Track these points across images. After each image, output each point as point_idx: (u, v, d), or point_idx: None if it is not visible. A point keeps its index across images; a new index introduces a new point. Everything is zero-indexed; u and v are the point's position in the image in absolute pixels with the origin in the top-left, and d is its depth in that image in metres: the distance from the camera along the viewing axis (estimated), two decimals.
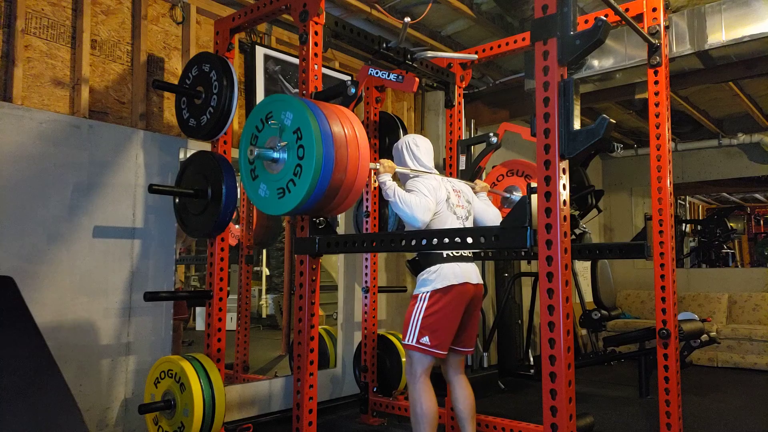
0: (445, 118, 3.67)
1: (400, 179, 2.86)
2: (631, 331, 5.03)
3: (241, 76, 3.74)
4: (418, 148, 2.89)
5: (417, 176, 2.77)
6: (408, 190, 2.67)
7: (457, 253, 2.69)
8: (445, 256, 2.65)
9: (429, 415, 2.60)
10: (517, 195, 3.53)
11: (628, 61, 4.09)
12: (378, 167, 2.68)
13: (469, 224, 2.84)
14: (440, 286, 2.62)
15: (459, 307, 2.66)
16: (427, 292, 2.63)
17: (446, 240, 2.04)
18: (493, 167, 3.78)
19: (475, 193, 3.04)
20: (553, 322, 1.70)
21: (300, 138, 2.02)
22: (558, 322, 1.69)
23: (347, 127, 2.12)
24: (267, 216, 4.17)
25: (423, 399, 2.62)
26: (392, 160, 2.91)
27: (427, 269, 2.66)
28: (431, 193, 2.65)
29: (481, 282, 2.79)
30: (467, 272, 2.70)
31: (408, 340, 2.64)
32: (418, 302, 2.65)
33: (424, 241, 2.12)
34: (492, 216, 2.97)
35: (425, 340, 2.60)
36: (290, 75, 3.96)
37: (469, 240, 1.98)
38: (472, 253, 2.80)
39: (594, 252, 3.29)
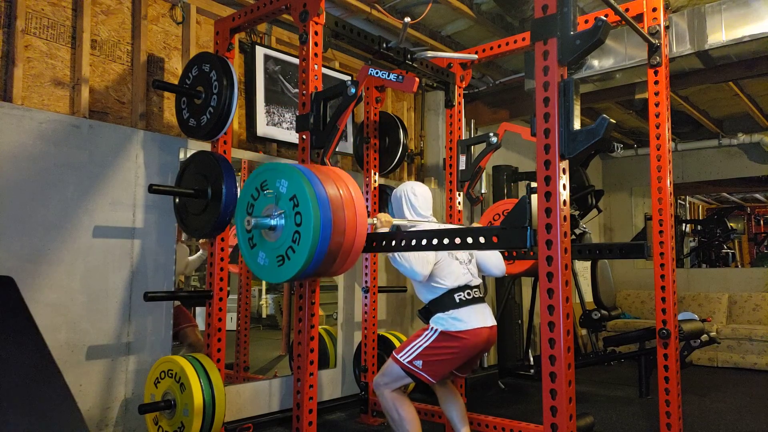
0: (445, 118, 3.67)
1: (400, 228, 2.86)
2: (631, 331, 5.02)
3: (241, 76, 3.74)
4: (416, 198, 2.87)
5: (414, 227, 2.76)
6: None
7: (469, 295, 2.66)
8: (458, 301, 2.62)
9: (409, 418, 2.59)
10: None
11: (628, 61, 4.09)
12: (375, 222, 2.65)
13: (472, 267, 2.80)
14: (452, 330, 2.58)
15: (467, 353, 2.62)
16: (438, 330, 2.60)
17: (446, 240, 2.04)
18: (489, 208, 3.77)
19: None
20: (553, 322, 1.70)
21: (297, 205, 2.03)
22: (558, 322, 1.69)
23: (342, 189, 2.12)
24: None
25: (397, 405, 2.61)
26: (391, 202, 2.92)
27: (440, 313, 2.63)
28: None
29: (495, 323, 2.73)
30: (483, 315, 2.66)
31: (400, 356, 2.62)
32: (427, 332, 2.62)
33: (424, 241, 2.12)
34: (494, 258, 2.93)
35: (418, 363, 2.58)
36: (290, 75, 3.96)
37: (469, 240, 1.98)
38: (481, 292, 2.77)
39: (594, 252, 3.29)
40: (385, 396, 2.64)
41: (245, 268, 4.20)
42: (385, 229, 2.68)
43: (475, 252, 2.89)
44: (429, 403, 3.50)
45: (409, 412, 2.61)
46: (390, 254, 2.60)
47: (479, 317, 2.64)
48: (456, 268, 2.69)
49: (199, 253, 3.87)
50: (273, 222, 2.10)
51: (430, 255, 2.62)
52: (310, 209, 1.98)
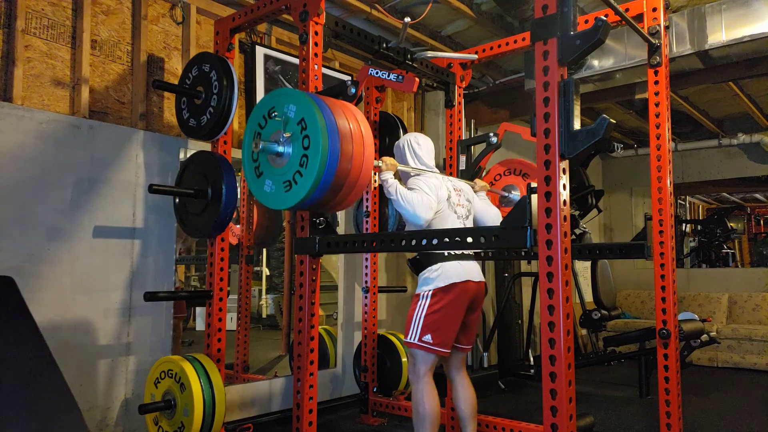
0: (445, 118, 3.67)
1: (402, 177, 2.87)
2: (631, 331, 5.03)
3: (241, 76, 3.74)
4: (419, 147, 2.89)
5: (418, 174, 2.78)
6: (409, 189, 2.67)
7: (459, 251, 2.69)
8: (446, 254, 2.65)
9: (431, 416, 2.59)
10: (515, 194, 3.54)
11: (628, 61, 4.09)
12: (380, 165, 2.68)
13: (469, 223, 2.84)
14: (442, 285, 2.62)
15: (461, 305, 2.66)
16: (429, 290, 2.63)
17: (446, 240, 2.04)
18: (492, 166, 3.78)
19: (475, 192, 3.05)
20: (553, 322, 1.70)
21: (305, 128, 2.02)
22: (558, 322, 1.69)
23: (351, 121, 2.12)
24: (267, 216, 4.17)
25: (426, 399, 2.61)
26: (393, 151, 2.93)
27: (429, 268, 2.65)
28: (432, 191, 2.65)
29: (483, 280, 2.79)
30: (469, 270, 2.70)
31: (410, 338, 2.63)
32: (420, 300, 2.65)
33: (424, 241, 2.12)
34: (492, 215, 2.97)
35: (428, 338, 2.59)
36: (290, 75, 3.96)
37: (469, 240, 1.98)
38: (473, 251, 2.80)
39: (594, 252, 3.29)
40: (419, 388, 2.64)
41: (245, 268, 4.20)
42: (390, 173, 2.70)
43: (474, 208, 2.94)
44: None
45: (433, 412, 2.61)
46: (394, 197, 2.63)
47: (466, 272, 2.67)
48: (453, 222, 2.73)
49: None
50: (280, 148, 2.10)
51: (433, 201, 2.64)
52: (319, 132, 1.97)
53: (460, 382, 2.84)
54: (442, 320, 2.61)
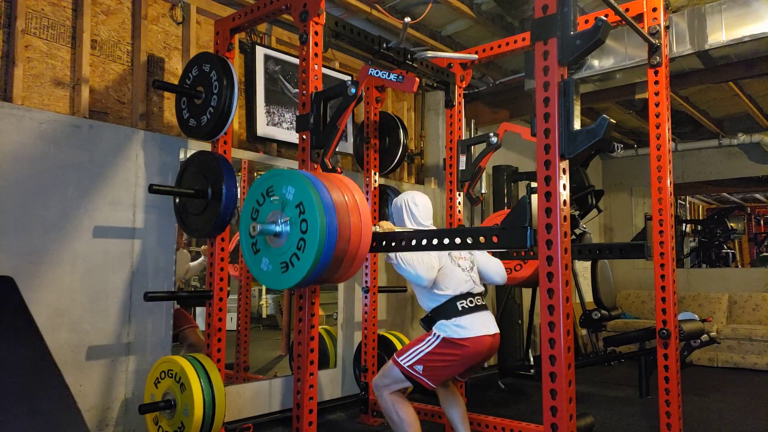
0: (445, 118, 3.68)
1: None
2: (631, 331, 5.02)
3: (241, 76, 3.74)
4: (416, 207, 2.90)
5: None
6: None
7: (471, 303, 2.66)
8: (460, 308, 2.62)
9: (409, 420, 2.59)
10: None
11: (628, 61, 4.09)
12: (377, 230, 2.68)
13: (474, 275, 2.80)
14: (455, 337, 2.58)
15: (468, 361, 2.62)
16: (441, 336, 2.60)
17: (446, 240, 2.04)
18: (488, 217, 3.78)
19: None
20: (553, 322, 1.70)
21: (303, 212, 2.03)
22: (558, 322, 1.69)
23: (348, 196, 2.13)
24: None
25: (397, 406, 2.61)
26: (391, 211, 2.95)
27: (443, 320, 2.63)
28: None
29: (498, 331, 2.73)
30: (485, 323, 2.66)
31: (401, 360, 2.62)
32: (429, 338, 2.62)
33: (424, 241, 2.12)
34: (495, 265, 2.93)
35: (419, 368, 2.58)
36: (290, 75, 3.96)
37: (469, 240, 1.98)
38: (483, 299, 2.78)
39: (594, 252, 3.29)
40: (384, 398, 2.64)
41: (245, 268, 4.20)
42: None
43: (477, 260, 2.90)
44: (429, 403, 3.51)
45: (409, 414, 2.61)
46: (394, 261, 2.61)
47: (482, 325, 2.63)
48: (458, 275, 2.70)
49: (200, 259, 3.87)
50: (278, 228, 2.10)
51: (434, 260, 2.63)
52: (317, 217, 1.98)
53: (445, 391, 2.85)
54: (440, 365, 2.59)
